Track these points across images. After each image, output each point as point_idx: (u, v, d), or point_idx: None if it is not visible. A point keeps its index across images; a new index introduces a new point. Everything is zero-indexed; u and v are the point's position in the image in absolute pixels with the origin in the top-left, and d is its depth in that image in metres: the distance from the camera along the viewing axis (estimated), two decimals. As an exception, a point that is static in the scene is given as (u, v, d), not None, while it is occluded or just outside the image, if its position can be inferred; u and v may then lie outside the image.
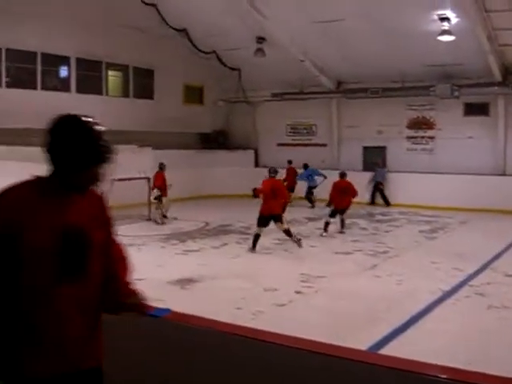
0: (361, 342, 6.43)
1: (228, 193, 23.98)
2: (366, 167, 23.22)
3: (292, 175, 22.41)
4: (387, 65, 20.61)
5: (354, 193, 15.91)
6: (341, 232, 15.88)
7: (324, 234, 15.62)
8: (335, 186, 16.03)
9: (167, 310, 3.82)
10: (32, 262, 2.47)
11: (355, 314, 8.45)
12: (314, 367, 3.36)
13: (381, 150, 23.21)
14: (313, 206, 21.60)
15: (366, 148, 23.67)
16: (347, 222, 17.08)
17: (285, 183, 20.34)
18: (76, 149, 2.57)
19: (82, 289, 2.61)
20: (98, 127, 2.66)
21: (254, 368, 3.45)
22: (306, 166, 22.48)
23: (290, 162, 22.95)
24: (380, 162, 22.41)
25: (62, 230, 2.54)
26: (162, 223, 17.58)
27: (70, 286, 2.56)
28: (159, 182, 17.88)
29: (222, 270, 11.50)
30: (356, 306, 8.86)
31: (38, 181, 2.63)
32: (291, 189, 21.50)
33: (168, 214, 18.20)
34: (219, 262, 12.42)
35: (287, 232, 13.61)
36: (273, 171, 14.29)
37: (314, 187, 21.97)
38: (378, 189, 22.19)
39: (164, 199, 17.91)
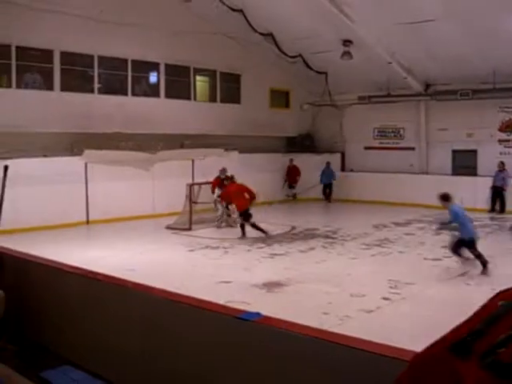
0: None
1: (314, 196, 23.94)
2: (456, 171, 22.65)
3: (296, 172, 24.65)
4: (478, 66, 19.99)
5: None
6: None
7: None
8: None
9: (258, 314, 3.82)
10: None
11: (444, 323, 8.13)
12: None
13: (471, 154, 22.54)
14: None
15: (455, 151, 23.05)
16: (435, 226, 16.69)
17: (286, 182, 24.58)
18: None
19: None
20: None
21: (343, 374, 3.42)
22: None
23: (291, 160, 24.67)
24: (500, 165, 21.02)
25: None
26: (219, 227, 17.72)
27: None
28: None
29: (309, 274, 11.46)
30: (445, 315, 8.59)
31: None
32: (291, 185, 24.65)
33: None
34: (305, 266, 12.38)
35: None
36: None
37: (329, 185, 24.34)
38: (497, 194, 20.69)
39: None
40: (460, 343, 1.87)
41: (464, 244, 11.45)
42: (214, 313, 4.14)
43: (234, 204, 16.65)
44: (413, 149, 24.06)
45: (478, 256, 11.37)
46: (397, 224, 18.12)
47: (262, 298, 9.51)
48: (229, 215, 17.83)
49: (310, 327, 3.71)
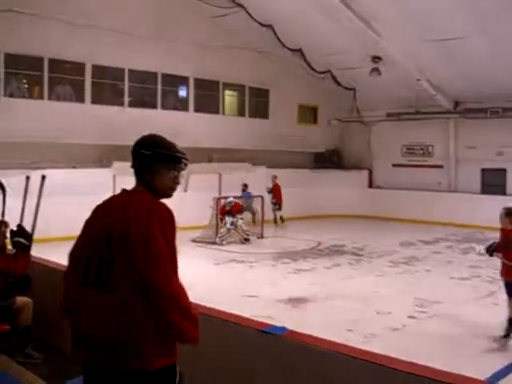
0: (477, 372, 6.15)
1: (341, 213, 23.84)
2: (485, 190, 22.41)
3: (278, 192, 21.41)
4: (508, 84, 19.79)
5: None
6: None
7: None
8: None
9: (283, 329, 3.82)
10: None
11: (471, 343, 8.11)
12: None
13: (500, 173, 22.30)
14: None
15: (484, 170, 22.81)
16: (464, 246, 16.55)
17: (274, 200, 21.09)
18: None
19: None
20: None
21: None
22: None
23: (275, 176, 21.60)
24: None
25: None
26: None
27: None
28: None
29: (334, 290, 11.40)
30: (472, 334, 8.52)
31: None
32: (279, 206, 21.36)
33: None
34: (331, 282, 12.33)
35: None
36: None
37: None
38: None
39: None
40: None
41: None
42: (238, 326, 4.14)
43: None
44: (441, 167, 23.89)
45: None
46: (424, 242, 17.99)
47: (287, 313, 9.48)
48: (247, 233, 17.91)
49: (336, 342, 3.69)
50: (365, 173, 25.83)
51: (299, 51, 22.45)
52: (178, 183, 3.16)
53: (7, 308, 6.02)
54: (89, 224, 3.11)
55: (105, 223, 2.97)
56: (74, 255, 3.14)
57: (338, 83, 24.02)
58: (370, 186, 25.79)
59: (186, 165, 3.21)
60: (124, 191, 3.12)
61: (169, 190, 3.14)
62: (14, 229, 6.37)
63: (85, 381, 2.98)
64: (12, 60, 17.16)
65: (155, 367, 2.82)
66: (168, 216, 2.95)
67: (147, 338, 2.81)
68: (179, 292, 2.87)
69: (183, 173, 3.22)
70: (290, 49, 22.14)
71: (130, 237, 2.82)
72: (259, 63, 22.38)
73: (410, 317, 9.53)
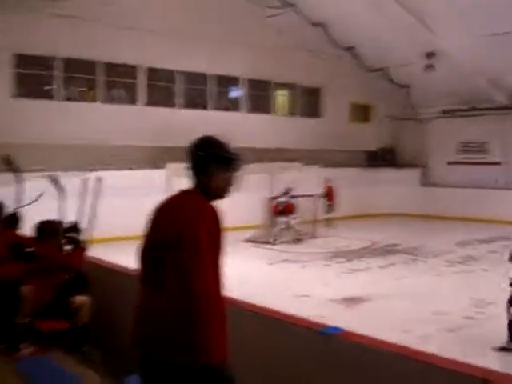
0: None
1: (395, 211, 23.58)
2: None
3: (331, 194, 20.99)
4: None
5: None
6: None
7: None
8: None
9: (338, 329, 3.79)
10: None
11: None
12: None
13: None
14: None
15: (544, 167, 22.24)
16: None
17: (328, 203, 20.69)
18: None
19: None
20: None
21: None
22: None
23: (328, 179, 20.93)
24: None
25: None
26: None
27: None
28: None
29: (389, 290, 11.28)
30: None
31: None
32: (332, 208, 21.03)
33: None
34: (386, 282, 12.20)
35: None
36: None
37: None
38: None
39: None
40: None
41: None
42: (292, 325, 4.13)
43: None
44: (498, 164, 23.37)
45: None
46: (481, 241, 17.63)
47: (340, 314, 9.41)
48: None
49: (391, 343, 3.65)
50: (419, 171, 25.46)
51: (351, 49, 22.33)
52: (231, 185, 3.17)
53: (65, 306, 6.14)
54: (149, 224, 3.13)
55: (162, 223, 3.04)
56: (139, 256, 3.17)
57: (391, 80, 23.80)
58: (425, 184, 25.41)
59: (240, 166, 3.24)
60: (181, 192, 3.15)
61: (222, 192, 3.14)
62: (69, 226, 6.55)
63: (141, 376, 3.04)
64: (67, 64, 17.53)
65: (202, 364, 2.83)
66: (214, 218, 2.96)
67: (192, 335, 2.81)
68: (212, 295, 2.87)
69: (237, 174, 3.22)
70: (342, 47, 22.05)
71: (184, 236, 2.85)
72: (311, 62, 22.28)
73: (467, 317, 9.36)
